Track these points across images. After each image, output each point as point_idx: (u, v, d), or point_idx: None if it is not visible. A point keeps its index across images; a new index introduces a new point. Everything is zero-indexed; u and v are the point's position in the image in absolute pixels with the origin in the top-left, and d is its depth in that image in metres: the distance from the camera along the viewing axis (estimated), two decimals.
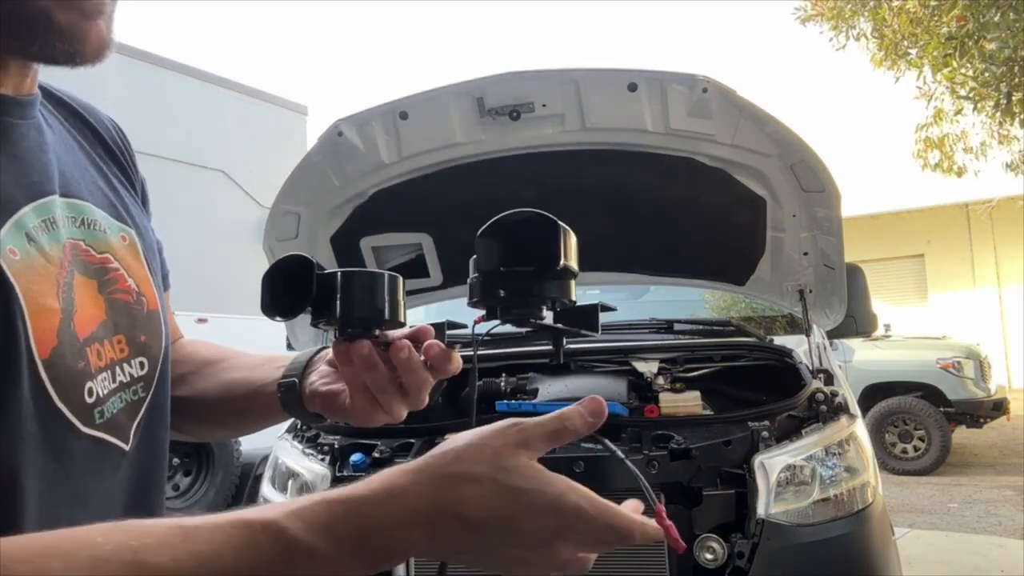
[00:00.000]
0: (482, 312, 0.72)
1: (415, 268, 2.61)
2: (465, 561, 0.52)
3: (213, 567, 0.45)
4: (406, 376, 0.71)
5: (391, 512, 0.49)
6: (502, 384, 2.44)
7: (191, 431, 0.87)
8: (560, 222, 0.66)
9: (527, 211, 0.65)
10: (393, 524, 0.49)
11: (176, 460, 6.38)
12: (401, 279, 0.69)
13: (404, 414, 0.74)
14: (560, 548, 0.51)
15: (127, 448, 0.68)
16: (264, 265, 0.73)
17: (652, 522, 0.55)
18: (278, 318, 0.66)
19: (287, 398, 0.79)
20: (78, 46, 0.60)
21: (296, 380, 0.79)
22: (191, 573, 0.45)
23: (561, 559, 0.52)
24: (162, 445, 0.75)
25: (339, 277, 0.66)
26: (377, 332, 0.70)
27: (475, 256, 0.69)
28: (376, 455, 2.14)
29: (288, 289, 0.66)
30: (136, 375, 0.70)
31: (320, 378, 0.78)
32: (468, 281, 0.70)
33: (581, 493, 0.52)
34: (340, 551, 0.48)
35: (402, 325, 0.71)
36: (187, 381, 0.85)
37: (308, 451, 2.23)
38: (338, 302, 0.66)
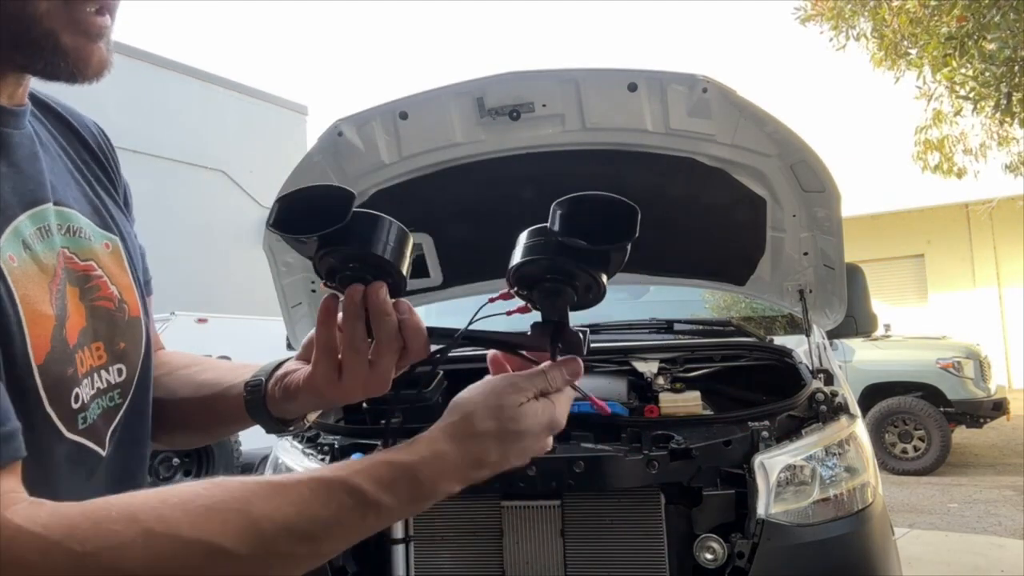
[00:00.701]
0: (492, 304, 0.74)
1: (415, 268, 2.60)
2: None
3: (306, 515, 0.57)
4: (376, 321, 0.69)
5: (438, 472, 0.62)
6: None
7: (163, 438, 0.87)
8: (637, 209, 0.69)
9: (607, 194, 0.70)
10: (440, 481, 0.63)
11: (176, 460, 6.38)
12: (412, 241, 0.70)
13: (360, 393, 0.73)
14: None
15: (103, 454, 0.69)
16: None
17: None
18: (285, 235, 0.65)
19: (252, 398, 0.79)
20: (81, 66, 0.63)
21: (263, 380, 0.79)
22: (290, 519, 0.56)
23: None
24: (140, 451, 0.76)
25: (373, 218, 0.66)
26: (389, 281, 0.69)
27: (524, 233, 0.70)
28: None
29: (304, 215, 0.65)
30: (113, 381, 0.71)
31: (284, 370, 0.80)
32: (514, 254, 0.70)
33: (554, 408, 0.68)
34: (399, 503, 0.61)
35: (405, 286, 0.70)
36: (161, 383, 0.85)
37: (308, 451, 2.23)
38: (369, 241, 0.66)
